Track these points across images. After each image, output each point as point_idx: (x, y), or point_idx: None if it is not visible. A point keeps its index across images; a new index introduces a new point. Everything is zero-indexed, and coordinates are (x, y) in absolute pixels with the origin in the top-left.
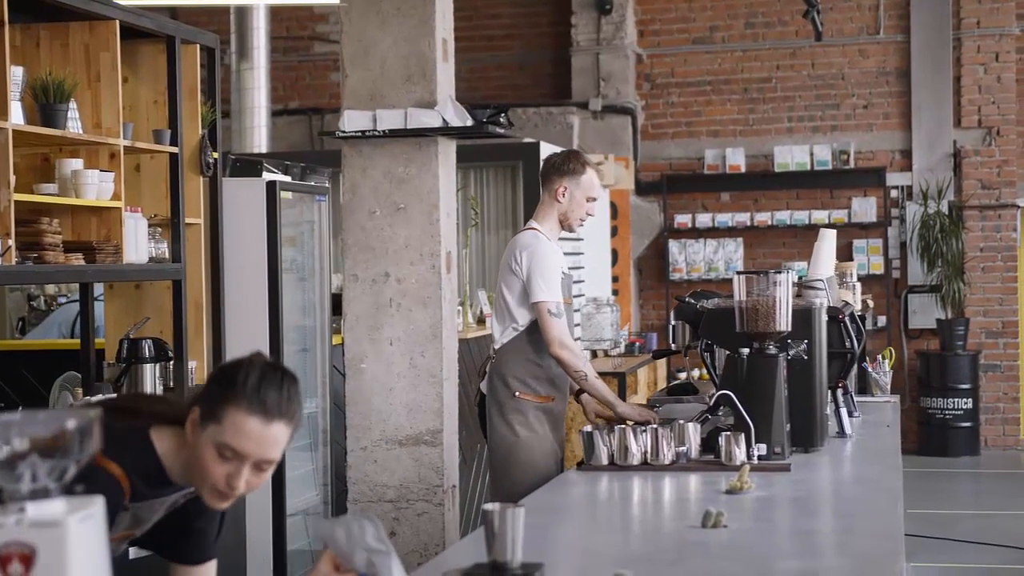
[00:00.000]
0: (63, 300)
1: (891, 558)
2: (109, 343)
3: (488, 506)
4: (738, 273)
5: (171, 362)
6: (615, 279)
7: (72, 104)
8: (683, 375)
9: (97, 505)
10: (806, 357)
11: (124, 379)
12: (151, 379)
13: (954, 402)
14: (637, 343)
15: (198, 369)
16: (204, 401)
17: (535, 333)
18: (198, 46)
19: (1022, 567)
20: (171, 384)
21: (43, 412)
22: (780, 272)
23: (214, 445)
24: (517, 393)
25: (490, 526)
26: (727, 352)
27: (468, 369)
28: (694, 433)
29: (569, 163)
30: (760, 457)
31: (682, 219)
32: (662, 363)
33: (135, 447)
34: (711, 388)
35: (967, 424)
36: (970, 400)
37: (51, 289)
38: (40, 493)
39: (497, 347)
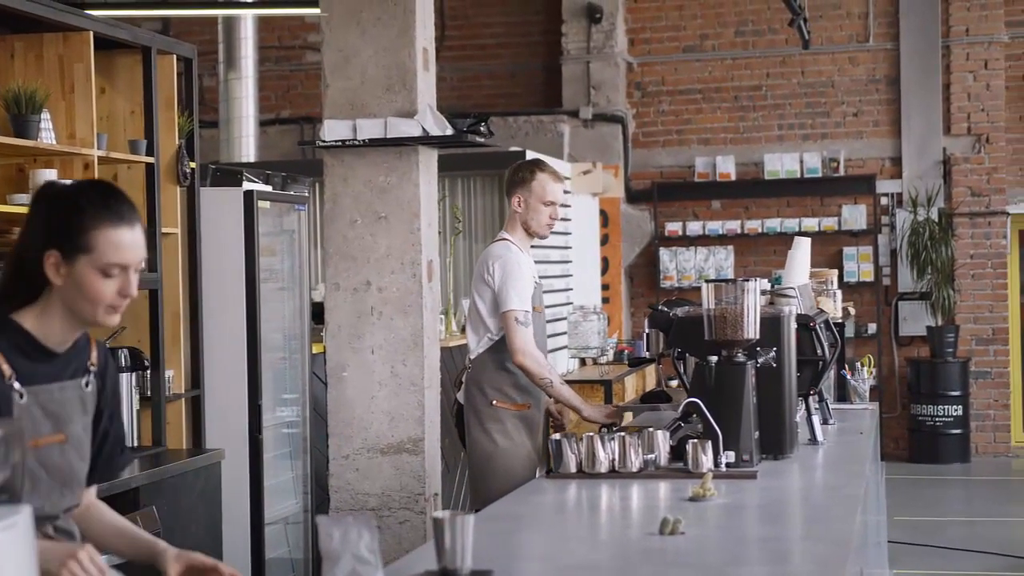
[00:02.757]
0: None
1: (837, 564)
2: None
3: (437, 514)
4: (707, 281)
5: (147, 371)
6: (606, 287)
7: (45, 115)
8: (675, 383)
9: (23, 514)
10: (775, 365)
11: None
12: (127, 388)
13: (944, 409)
14: (626, 351)
15: (175, 378)
16: (57, 240)
17: None
18: (175, 56)
19: (1009, 574)
20: (148, 393)
21: None
22: (748, 280)
23: (96, 270)
24: (494, 402)
25: (439, 534)
26: (696, 360)
27: (451, 377)
28: (663, 441)
29: (518, 173)
30: (728, 464)
31: (673, 227)
32: (651, 371)
33: (1, 331)
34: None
35: (957, 431)
36: (960, 407)
37: None
38: None
39: (472, 357)
